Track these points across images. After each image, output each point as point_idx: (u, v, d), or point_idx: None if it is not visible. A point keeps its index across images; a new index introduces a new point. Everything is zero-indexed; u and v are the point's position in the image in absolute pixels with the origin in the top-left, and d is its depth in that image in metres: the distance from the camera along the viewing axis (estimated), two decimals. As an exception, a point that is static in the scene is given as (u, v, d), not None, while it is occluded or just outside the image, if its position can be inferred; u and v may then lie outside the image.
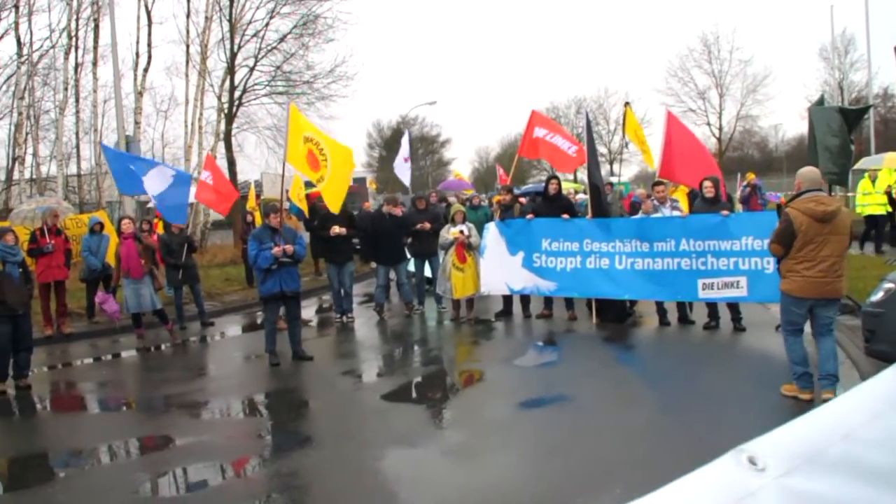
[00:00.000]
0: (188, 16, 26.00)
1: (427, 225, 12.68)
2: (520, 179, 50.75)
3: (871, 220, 17.19)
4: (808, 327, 7.02)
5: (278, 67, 28.06)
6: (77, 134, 27.43)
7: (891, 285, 7.13)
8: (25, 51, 24.77)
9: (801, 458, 1.16)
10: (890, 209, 16.76)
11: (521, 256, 11.59)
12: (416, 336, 11.98)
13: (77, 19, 25.68)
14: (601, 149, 54.84)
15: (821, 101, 12.06)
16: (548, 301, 11.96)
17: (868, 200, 17.22)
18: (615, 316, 11.18)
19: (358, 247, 13.72)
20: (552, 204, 11.81)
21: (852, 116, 10.30)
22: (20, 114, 24.74)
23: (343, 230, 12.40)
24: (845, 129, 10.09)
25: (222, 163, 26.58)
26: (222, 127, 26.63)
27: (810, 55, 75.10)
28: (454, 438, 6.70)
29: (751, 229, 9.87)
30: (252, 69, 27.37)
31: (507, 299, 12.31)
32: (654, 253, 10.57)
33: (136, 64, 26.01)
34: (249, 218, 16.90)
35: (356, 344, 11.62)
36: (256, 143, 40.62)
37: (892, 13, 51.28)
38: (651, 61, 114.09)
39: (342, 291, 12.90)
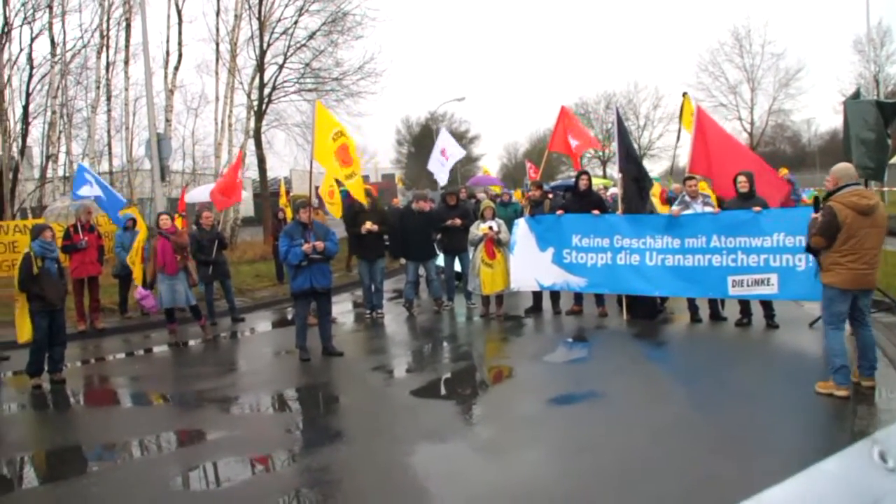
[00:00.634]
0: (218, 14, 26.23)
1: (458, 221, 12.66)
2: (549, 175, 50.49)
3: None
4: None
5: (307, 65, 28.15)
6: (108, 132, 27.75)
7: None
8: (58, 50, 25.09)
9: None
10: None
11: (551, 252, 11.54)
12: (445, 332, 11.97)
13: (108, 19, 26.03)
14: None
15: (856, 95, 11.79)
16: (578, 297, 11.90)
17: None
18: (646, 312, 11.10)
19: (387, 243, 13.71)
20: (582, 199, 11.73)
21: (889, 110, 10.08)
22: (53, 112, 25.07)
23: (375, 227, 12.43)
24: (881, 122, 9.88)
25: (252, 160, 26.85)
26: (252, 124, 26.78)
27: (845, 48, 73.99)
28: (484, 434, 6.69)
29: (783, 225, 9.73)
30: (281, 66, 27.48)
31: (537, 295, 12.26)
32: (685, 249, 10.47)
33: (167, 62, 26.29)
34: (281, 214, 17.02)
35: (386, 340, 11.64)
36: (286, 140, 40.91)
37: (929, 5, 50.38)
38: (681, 56, 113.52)
39: (373, 287, 12.94)
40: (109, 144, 27.92)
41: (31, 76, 25.15)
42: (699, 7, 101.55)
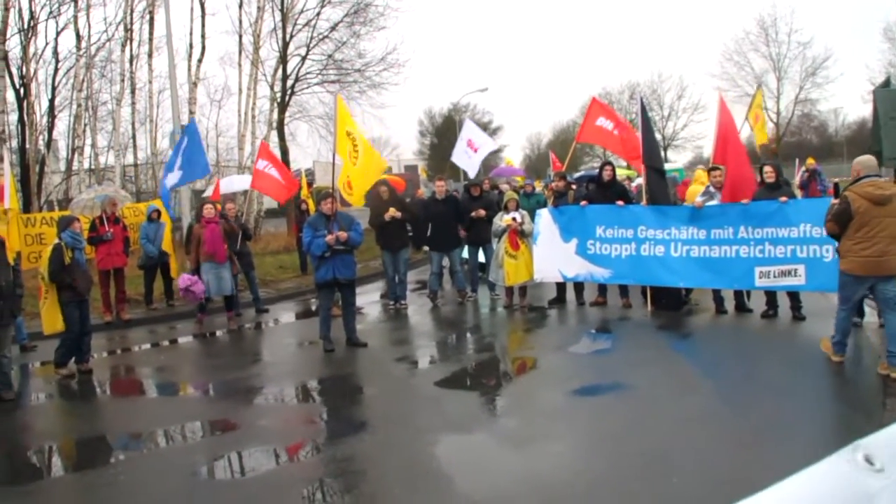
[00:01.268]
0: (241, 6, 26.40)
1: (482, 212, 12.62)
2: (572, 166, 50.32)
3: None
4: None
5: (330, 56, 28.25)
6: (133, 124, 28.07)
7: None
8: (84, 44, 25.33)
9: None
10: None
11: (575, 243, 11.48)
12: (469, 323, 11.96)
13: (132, 12, 26.25)
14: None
15: (887, 83, 11.63)
16: (602, 288, 11.83)
17: None
18: (671, 304, 11.01)
19: (410, 234, 13.70)
20: (606, 190, 11.66)
21: (920, 99, 9.94)
22: (79, 105, 25.35)
23: (398, 213, 12.43)
24: (912, 111, 9.75)
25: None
26: (275, 116, 26.92)
27: (874, 35, 72.79)
28: (508, 425, 6.67)
29: (809, 216, 9.57)
30: (304, 58, 27.61)
31: (561, 286, 12.21)
32: (711, 240, 10.37)
33: (190, 55, 26.49)
34: (304, 206, 17.07)
35: (410, 331, 11.65)
36: (309, 131, 41.11)
37: (961, -9, 49.47)
38: (706, 45, 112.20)
39: (396, 278, 12.95)
40: (134, 137, 28.28)
41: (56, 70, 25.50)
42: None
